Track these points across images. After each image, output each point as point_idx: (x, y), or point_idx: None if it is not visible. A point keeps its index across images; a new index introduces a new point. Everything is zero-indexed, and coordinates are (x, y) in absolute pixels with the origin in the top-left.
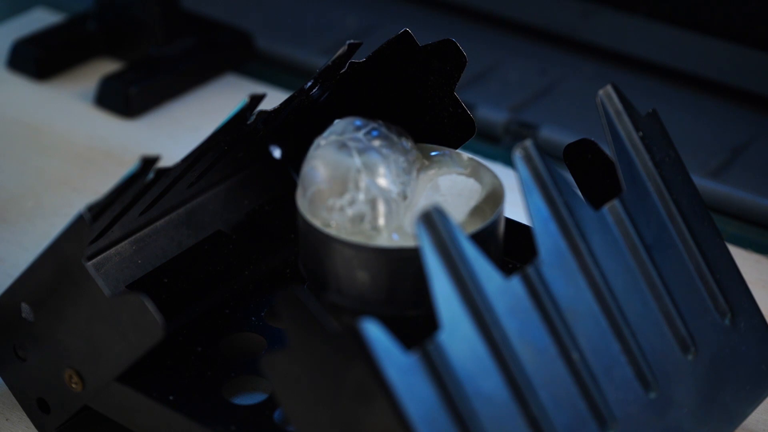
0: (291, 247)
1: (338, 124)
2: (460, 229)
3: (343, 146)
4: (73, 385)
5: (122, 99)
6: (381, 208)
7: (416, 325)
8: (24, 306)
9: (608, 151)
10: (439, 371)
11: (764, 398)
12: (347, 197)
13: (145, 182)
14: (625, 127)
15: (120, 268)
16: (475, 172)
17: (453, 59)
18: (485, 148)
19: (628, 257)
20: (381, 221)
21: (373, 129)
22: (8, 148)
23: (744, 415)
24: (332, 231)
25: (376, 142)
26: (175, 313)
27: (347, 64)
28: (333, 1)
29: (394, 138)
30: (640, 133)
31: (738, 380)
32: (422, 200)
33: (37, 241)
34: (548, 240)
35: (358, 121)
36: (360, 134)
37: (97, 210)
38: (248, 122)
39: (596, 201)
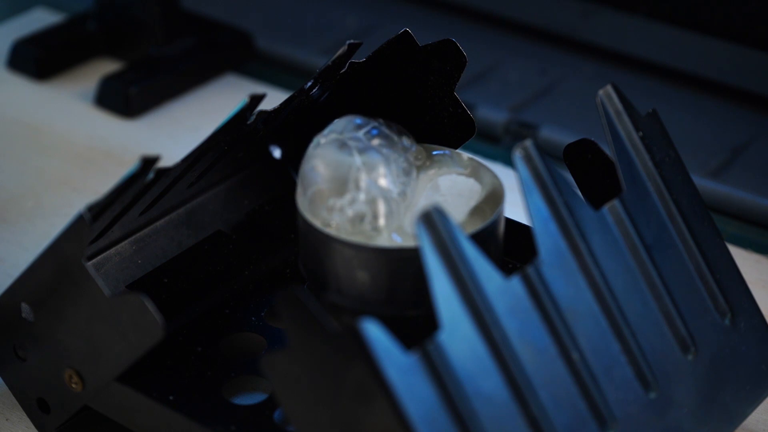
0: (291, 247)
1: (338, 122)
2: (460, 229)
3: (343, 145)
4: (73, 385)
5: (122, 99)
6: (381, 208)
7: (416, 325)
8: (24, 306)
9: (608, 151)
10: (439, 371)
11: (764, 398)
12: (348, 197)
13: (145, 182)
14: (625, 127)
15: (120, 268)
16: (475, 172)
17: (453, 59)
18: (485, 148)
19: (628, 257)
20: (381, 221)
21: (373, 128)
22: (8, 148)
23: (744, 415)
24: (332, 231)
25: (376, 141)
26: (175, 313)
27: (347, 64)
28: (333, 1)
29: (395, 137)
30: (640, 133)
31: (738, 380)
32: (422, 200)
33: (37, 241)
34: (548, 240)
35: (358, 120)
36: (360, 133)
37: (97, 210)
38: (248, 122)
39: (596, 201)
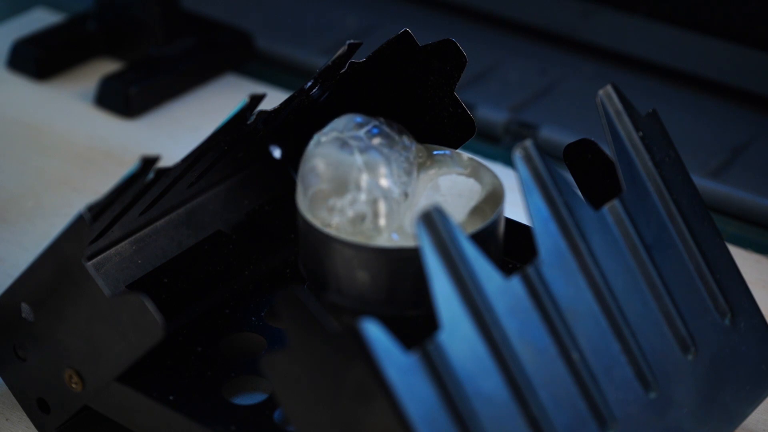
0: (291, 247)
1: (338, 121)
2: (460, 229)
3: (344, 144)
4: (73, 385)
5: (122, 99)
6: (382, 208)
7: (416, 325)
8: (24, 306)
9: (608, 151)
10: (439, 371)
11: (764, 398)
12: (348, 197)
13: (145, 182)
14: (625, 127)
15: (120, 268)
16: (475, 172)
17: (453, 59)
18: (485, 148)
19: (628, 257)
20: (382, 221)
21: (374, 127)
22: (8, 148)
23: (744, 415)
24: (332, 231)
25: (377, 141)
26: (175, 313)
27: (347, 64)
28: (333, 1)
29: (395, 136)
30: (640, 133)
31: (738, 380)
32: (422, 200)
33: (37, 241)
34: (548, 240)
35: (358, 118)
36: (361, 132)
37: (97, 210)
38: (248, 122)
39: (596, 201)
